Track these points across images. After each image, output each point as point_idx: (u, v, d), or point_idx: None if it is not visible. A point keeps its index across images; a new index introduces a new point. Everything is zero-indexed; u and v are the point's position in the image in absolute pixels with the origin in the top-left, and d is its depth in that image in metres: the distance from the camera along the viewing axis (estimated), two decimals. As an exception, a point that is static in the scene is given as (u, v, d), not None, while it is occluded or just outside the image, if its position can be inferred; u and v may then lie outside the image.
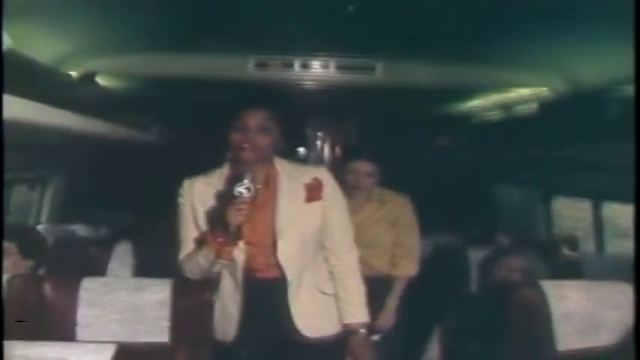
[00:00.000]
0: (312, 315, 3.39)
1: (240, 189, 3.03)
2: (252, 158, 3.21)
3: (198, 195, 3.35)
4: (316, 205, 3.37)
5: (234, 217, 3.05)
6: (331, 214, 3.42)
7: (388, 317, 4.53)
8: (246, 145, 3.18)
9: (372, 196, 4.72)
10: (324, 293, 3.45)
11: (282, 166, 3.41)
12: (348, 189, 4.37)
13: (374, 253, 4.49)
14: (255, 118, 3.20)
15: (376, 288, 4.05)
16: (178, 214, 3.41)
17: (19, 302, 3.22)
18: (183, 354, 3.23)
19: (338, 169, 4.01)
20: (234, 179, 3.12)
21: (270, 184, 3.35)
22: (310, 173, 3.41)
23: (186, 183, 3.40)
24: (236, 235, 3.13)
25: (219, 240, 3.12)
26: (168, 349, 3.23)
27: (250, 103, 3.26)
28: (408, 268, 4.65)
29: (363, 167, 4.59)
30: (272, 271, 3.33)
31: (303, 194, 3.36)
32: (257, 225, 3.28)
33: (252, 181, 3.06)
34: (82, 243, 4.85)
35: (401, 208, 4.77)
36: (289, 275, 3.31)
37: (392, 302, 4.57)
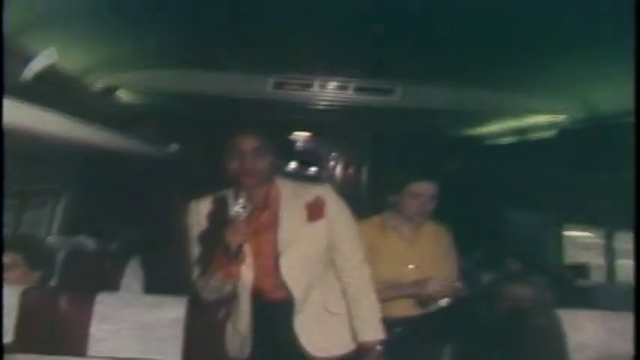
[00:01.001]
0: (319, 335, 3.36)
1: (237, 208, 3.05)
2: (252, 183, 3.22)
3: (204, 216, 3.36)
4: (320, 224, 3.36)
5: (233, 237, 3.06)
6: (337, 232, 3.40)
7: None
8: (245, 171, 3.20)
9: (424, 223, 4.22)
10: (331, 313, 3.42)
11: (284, 185, 3.42)
12: (408, 215, 4.10)
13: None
14: (249, 144, 3.22)
15: None
16: (188, 234, 3.41)
17: (33, 315, 3.22)
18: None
19: (356, 190, 3.97)
20: (231, 199, 3.17)
21: (271, 204, 3.35)
22: (313, 192, 3.41)
23: (192, 204, 3.41)
24: (238, 255, 3.12)
25: (222, 260, 3.12)
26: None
27: (241, 127, 3.29)
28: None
29: (428, 189, 4.09)
30: (279, 291, 3.31)
31: (304, 213, 3.35)
32: (261, 246, 3.29)
33: (247, 200, 3.08)
34: (94, 256, 4.85)
35: (445, 238, 4.35)
36: (295, 294, 3.29)
37: None
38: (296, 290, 3.29)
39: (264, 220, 3.27)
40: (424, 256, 4.10)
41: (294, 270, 3.30)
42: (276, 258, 3.29)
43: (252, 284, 3.29)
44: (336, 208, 3.41)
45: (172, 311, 3.30)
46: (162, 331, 3.28)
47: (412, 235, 4.16)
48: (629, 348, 3.14)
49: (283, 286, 3.29)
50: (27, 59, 2.92)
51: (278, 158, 3.34)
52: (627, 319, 3.22)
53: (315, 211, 3.35)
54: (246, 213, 3.06)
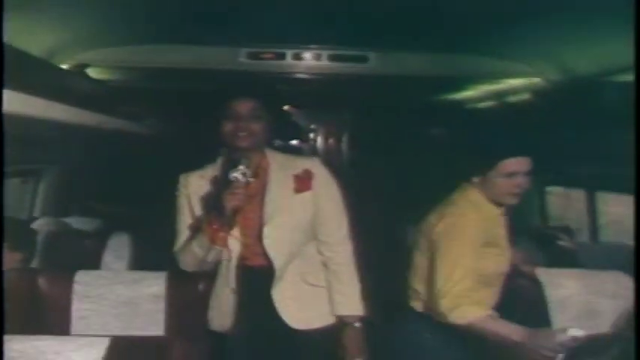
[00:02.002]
0: (297, 305, 3.37)
1: (236, 174, 3.04)
2: (247, 144, 3.23)
3: (194, 189, 3.36)
4: (306, 196, 3.37)
5: (230, 202, 3.07)
6: (323, 206, 3.41)
7: None
8: (242, 133, 3.20)
9: None
10: (309, 284, 3.43)
11: (273, 157, 3.42)
12: (501, 197, 3.48)
13: None
14: (246, 107, 3.23)
15: None
16: (175, 207, 3.41)
17: (13, 296, 3.21)
18: (178, 346, 3.24)
19: (334, 161, 3.91)
20: (229, 164, 3.14)
21: (260, 174, 3.35)
22: (301, 164, 3.41)
23: (182, 177, 3.41)
24: (231, 220, 3.14)
25: (214, 226, 3.12)
26: (163, 341, 3.23)
27: (240, 92, 3.29)
28: None
29: (524, 165, 3.45)
30: (259, 259, 3.33)
31: (292, 185, 3.36)
32: (247, 214, 3.29)
33: (248, 167, 3.07)
34: (75, 235, 4.83)
35: None
36: (276, 263, 3.31)
37: None
38: (277, 259, 3.30)
39: (253, 189, 3.25)
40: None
41: (277, 239, 3.31)
42: (260, 227, 3.30)
43: (237, 252, 3.30)
44: (323, 181, 3.42)
45: (153, 286, 3.30)
46: (143, 307, 3.27)
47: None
48: (608, 304, 3.17)
49: (265, 254, 3.30)
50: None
51: (273, 124, 3.34)
52: (607, 277, 3.25)
53: (302, 182, 3.36)
54: (245, 179, 3.06)
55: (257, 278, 3.33)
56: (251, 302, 3.34)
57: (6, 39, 2.83)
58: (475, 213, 3.44)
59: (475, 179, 3.52)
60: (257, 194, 3.31)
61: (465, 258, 3.29)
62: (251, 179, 3.11)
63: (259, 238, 3.30)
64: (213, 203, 3.18)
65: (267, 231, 3.29)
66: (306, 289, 3.42)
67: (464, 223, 3.40)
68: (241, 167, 3.05)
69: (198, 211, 3.33)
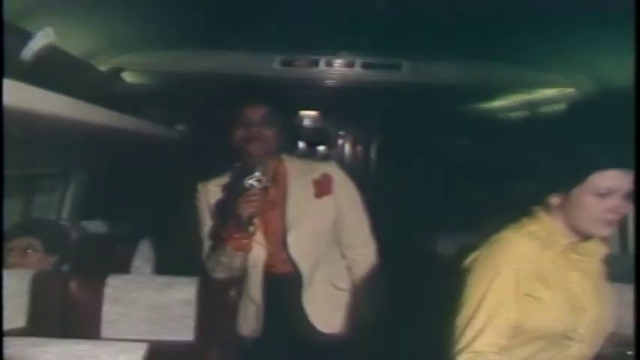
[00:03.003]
0: (326, 310, 3.42)
1: (251, 181, 3.05)
2: (259, 151, 3.24)
3: (213, 197, 3.39)
4: (327, 200, 3.39)
5: (246, 209, 3.07)
6: (344, 209, 3.44)
7: None
8: (253, 139, 3.23)
9: None
10: (338, 288, 3.47)
11: (290, 162, 3.45)
12: (586, 224, 2.60)
13: None
14: (257, 113, 3.24)
15: None
16: (196, 216, 3.45)
17: (45, 299, 3.23)
18: (208, 352, 3.24)
19: (362, 169, 3.86)
20: (244, 171, 3.14)
21: (279, 181, 3.38)
22: (319, 169, 3.44)
23: (200, 186, 3.45)
24: (249, 227, 3.13)
25: (232, 233, 3.13)
26: (193, 347, 3.23)
27: (250, 99, 3.30)
28: None
29: (625, 181, 2.61)
30: (286, 266, 3.36)
31: (312, 190, 3.38)
32: (269, 223, 3.32)
33: (263, 174, 3.09)
34: (105, 239, 4.85)
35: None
36: (302, 269, 3.34)
37: None
38: (303, 266, 3.34)
39: (272, 196, 3.29)
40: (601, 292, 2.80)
41: (302, 246, 3.34)
42: (283, 234, 3.33)
43: (262, 259, 3.32)
44: (342, 184, 3.45)
45: (183, 291, 3.31)
46: (173, 312, 3.28)
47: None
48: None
49: (291, 261, 3.33)
50: (26, 40, 2.90)
51: (285, 130, 3.35)
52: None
53: (322, 187, 3.38)
54: (260, 186, 3.07)
55: (284, 285, 3.37)
56: (278, 309, 3.37)
57: (51, 40, 2.86)
58: (531, 240, 2.67)
59: (554, 200, 2.70)
60: (277, 201, 3.34)
61: (494, 301, 2.53)
62: (268, 184, 3.15)
63: (283, 245, 3.33)
64: (230, 211, 3.18)
65: (290, 238, 3.32)
66: (335, 293, 3.46)
67: (508, 251, 2.64)
68: (256, 174, 3.06)
69: (218, 216, 3.35)
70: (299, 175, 3.40)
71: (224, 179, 3.41)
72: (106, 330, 3.24)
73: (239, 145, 3.27)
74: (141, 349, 2.52)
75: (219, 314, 3.36)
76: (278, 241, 3.34)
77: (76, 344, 2.53)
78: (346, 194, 3.46)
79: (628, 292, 3.27)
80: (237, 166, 3.37)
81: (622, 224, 5.57)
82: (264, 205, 3.17)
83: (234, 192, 3.23)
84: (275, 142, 3.31)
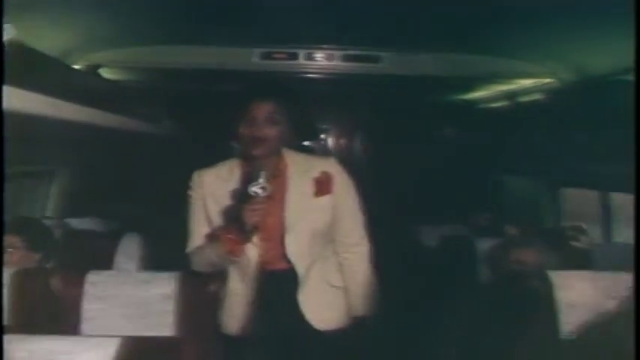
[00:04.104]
0: (322, 307, 3.39)
1: (256, 189, 3.02)
2: (261, 152, 3.20)
3: (209, 188, 3.33)
4: (326, 199, 3.36)
5: (250, 217, 3.05)
6: (342, 207, 3.41)
7: None
8: (257, 139, 3.17)
9: None
10: (332, 286, 3.45)
11: (291, 158, 3.40)
12: None
13: None
14: (262, 111, 3.18)
15: None
16: (188, 205, 3.39)
17: (25, 296, 3.22)
18: (189, 347, 3.24)
19: (346, 161, 3.86)
20: (249, 177, 3.12)
21: (279, 177, 3.33)
22: (319, 166, 3.39)
23: (195, 175, 3.38)
24: (250, 234, 3.13)
25: (231, 238, 3.12)
26: (174, 342, 3.23)
27: (257, 95, 3.23)
28: None
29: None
30: (282, 263, 3.33)
31: (312, 189, 3.34)
32: (267, 217, 3.24)
33: (267, 181, 3.05)
34: (88, 235, 4.84)
35: None
36: (299, 269, 3.31)
37: None
38: (300, 265, 3.32)
39: (272, 192, 3.19)
40: None
41: (300, 245, 3.32)
42: (281, 231, 3.31)
43: (257, 259, 3.30)
44: (342, 183, 3.42)
45: (163, 287, 3.29)
46: (154, 307, 3.27)
47: None
48: (619, 306, 3.15)
49: (286, 258, 3.31)
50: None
51: (290, 129, 3.30)
52: (618, 279, 3.24)
53: (322, 186, 3.36)
54: (265, 193, 3.04)
55: (278, 282, 3.35)
56: (269, 304, 3.35)
57: (21, 39, 2.85)
58: None
59: None
60: (276, 198, 3.28)
61: None
62: (270, 191, 3.07)
63: (281, 242, 3.31)
64: (232, 216, 3.16)
65: (289, 238, 3.29)
66: (329, 290, 3.45)
67: None
68: (261, 181, 3.03)
69: (213, 213, 3.31)
70: (299, 171, 3.37)
71: (222, 171, 3.37)
72: (86, 326, 3.23)
73: (241, 144, 3.24)
74: (116, 344, 2.51)
75: (199, 309, 3.35)
76: (275, 238, 3.32)
77: (53, 340, 2.52)
78: (345, 193, 3.43)
79: (605, 279, 3.31)
80: (239, 165, 3.36)
81: (604, 215, 5.62)
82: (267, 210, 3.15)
83: (236, 197, 3.22)
84: (279, 142, 3.28)
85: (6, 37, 2.90)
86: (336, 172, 3.40)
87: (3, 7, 2.46)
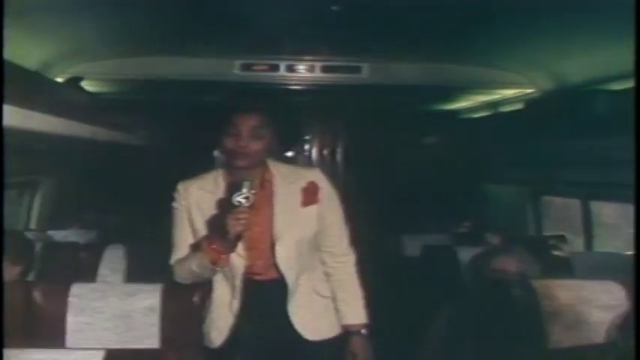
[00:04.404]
0: (311, 317, 3.39)
1: (239, 199, 2.99)
2: (246, 165, 3.19)
3: (194, 199, 3.32)
4: (312, 209, 3.36)
5: (234, 227, 3.02)
6: (328, 217, 3.42)
7: None
8: (242, 152, 3.15)
9: None
10: (321, 296, 3.46)
11: (276, 169, 3.40)
12: None
13: None
14: (247, 124, 3.16)
15: None
16: (172, 217, 3.38)
17: (9, 308, 3.21)
18: (173, 359, 3.23)
19: (329, 172, 3.86)
20: (232, 187, 3.08)
21: (265, 187, 3.33)
22: (305, 177, 3.40)
23: (180, 186, 3.36)
24: (234, 244, 3.11)
25: (214, 248, 3.10)
26: (158, 354, 3.22)
27: (242, 108, 3.21)
28: None
29: None
30: (270, 273, 3.33)
31: (299, 199, 3.35)
32: (253, 229, 3.24)
33: (250, 191, 3.02)
34: (71, 248, 4.83)
35: None
36: (288, 278, 3.31)
37: None
38: (289, 274, 3.31)
39: (259, 203, 3.18)
40: None
41: (289, 256, 3.31)
42: (269, 241, 3.31)
43: (244, 268, 3.29)
44: (328, 193, 3.42)
45: (147, 299, 3.28)
46: (138, 320, 3.26)
47: None
48: (601, 315, 3.17)
49: (275, 268, 3.31)
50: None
51: (275, 141, 3.29)
52: (599, 288, 3.26)
53: (309, 196, 3.36)
54: (248, 203, 3.02)
55: (267, 292, 3.35)
56: (257, 314, 3.34)
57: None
58: None
59: None
60: (263, 208, 3.29)
61: None
62: (253, 201, 3.03)
63: (269, 252, 3.30)
64: (216, 226, 3.15)
65: (278, 247, 3.29)
66: (318, 300, 3.45)
67: None
68: (244, 191, 3.00)
69: (198, 224, 3.30)
70: (285, 181, 3.37)
71: (206, 182, 3.36)
72: (71, 339, 3.21)
73: (226, 156, 3.23)
74: (99, 358, 2.51)
75: (183, 321, 3.35)
76: (263, 248, 3.32)
77: (37, 354, 2.52)
78: (330, 203, 3.44)
79: (587, 288, 3.33)
80: (223, 176, 3.34)
81: (586, 222, 5.66)
82: (251, 220, 3.11)
83: (220, 207, 3.21)
84: (263, 155, 3.27)
85: None
86: (322, 182, 3.40)
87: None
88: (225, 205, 3.09)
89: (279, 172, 3.39)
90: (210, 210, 3.27)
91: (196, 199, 3.32)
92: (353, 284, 3.51)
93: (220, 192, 3.28)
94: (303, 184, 3.36)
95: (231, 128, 3.17)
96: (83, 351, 2.79)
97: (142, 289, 3.32)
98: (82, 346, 3.16)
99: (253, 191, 3.04)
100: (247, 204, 3.01)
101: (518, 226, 6.53)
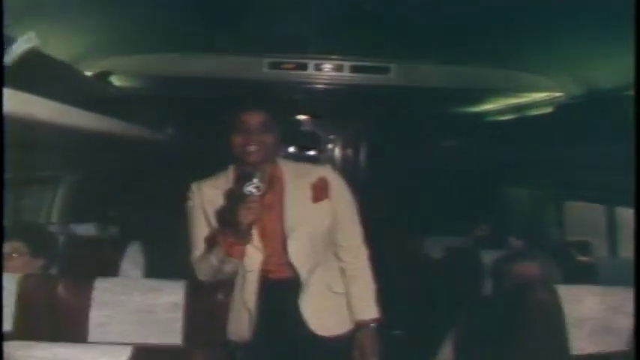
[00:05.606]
0: (324, 314, 3.40)
1: (250, 188, 3.02)
2: (258, 159, 3.22)
3: (207, 198, 3.36)
4: (324, 205, 3.38)
5: (245, 216, 3.05)
6: (340, 213, 3.44)
7: None
8: (252, 146, 3.20)
9: None
10: (334, 292, 3.47)
11: (287, 166, 3.44)
12: None
13: None
14: (256, 119, 3.21)
15: None
16: (187, 216, 3.41)
17: (32, 302, 3.22)
18: (196, 356, 3.23)
19: (352, 172, 3.85)
20: (244, 177, 3.11)
21: (276, 184, 3.37)
22: (316, 173, 3.43)
23: (194, 186, 3.41)
24: (246, 234, 3.13)
25: (229, 240, 3.12)
26: (181, 350, 3.22)
27: (250, 103, 3.27)
28: None
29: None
30: (284, 271, 3.35)
31: (309, 194, 3.37)
32: (266, 226, 3.30)
33: (261, 180, 3.06)
34: (93, 242, 4.84)
35: None
36: (301, 273, 3.33)
37: None
38: (302, 270, 3.33)
39: (269, 199, 3.26)
40: None
41: (301, 251, 3.33)
42: (283, 239, 3.32)
43: (259, 264, 3.31)
44: (339, 188, 3.44)
45: (171, 295, 3.29)
46: (161, 315, 3.27)
47: None
48: (625, 321, 3.15)
49: (289, 266, 3.32)
50: (9, 45, 2.90)
51: (282, 136, 3.33)
52: (624, 294, 3.23)
53: (319, 191, 3.38)
54: (259, 192, 3.04)
55: (280, 290, 3.37)
56: (273, 313, 3.36)
57: (34, 44, 2.85)
58: None
59: None
60: (274, 205, 3.33)
61: None
62: (264, 190, 3.09)
63: (282, 249, 3.32)
64: (228, 217, 3.17)
65: (291, 243, 3.31)
66: (332, 296, 3.46)
67: None
68: (255, 180, 3.03)
69: (213, 221, 3.33)
70: (295, 178, 3.40)
71: (218, 181, 3.39)
72: (93, 333, 3.22)
73: (236, 152, 3.25)
74: (125, 353, 2.51)
75: (207, 318, 3.35)
76: (276, 246, 3.33)
77: (59, 347, 2.52)
78: (342, 198, 3.46)
79: (611, 294, 3.30)
80: (234, 171, 3.37)
81: (611, 227, 5.62)
82: (262, 211, 3.15)
83: (231, 198, 3.22)
84: (273, 148, 3.30)
85: (29, 45, 2.92)
86: (332, 178, 3.43)
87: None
88: (237, 197, 3.11)
89: (288, 169, 3.43)
90: (223, 203, 3.30)
91: (210, 198, 3.36)
92: (366, 279, 3.52)
93: (231, 186, 3.32)
94: (313, 179, 3.39)
95: (239, 124, 3.21)
96: (107, 345, 2.78)
97: (166, 285, 3.33)
98: (104, 340, 3.17)
99: (263, 181, 3.08)
100: (258, 193, 3.03)
101: (541, 231, 6.49)
